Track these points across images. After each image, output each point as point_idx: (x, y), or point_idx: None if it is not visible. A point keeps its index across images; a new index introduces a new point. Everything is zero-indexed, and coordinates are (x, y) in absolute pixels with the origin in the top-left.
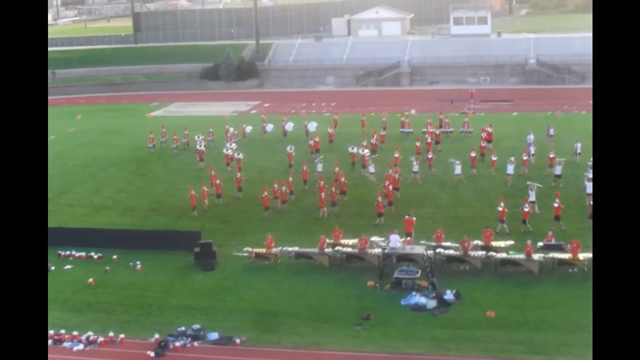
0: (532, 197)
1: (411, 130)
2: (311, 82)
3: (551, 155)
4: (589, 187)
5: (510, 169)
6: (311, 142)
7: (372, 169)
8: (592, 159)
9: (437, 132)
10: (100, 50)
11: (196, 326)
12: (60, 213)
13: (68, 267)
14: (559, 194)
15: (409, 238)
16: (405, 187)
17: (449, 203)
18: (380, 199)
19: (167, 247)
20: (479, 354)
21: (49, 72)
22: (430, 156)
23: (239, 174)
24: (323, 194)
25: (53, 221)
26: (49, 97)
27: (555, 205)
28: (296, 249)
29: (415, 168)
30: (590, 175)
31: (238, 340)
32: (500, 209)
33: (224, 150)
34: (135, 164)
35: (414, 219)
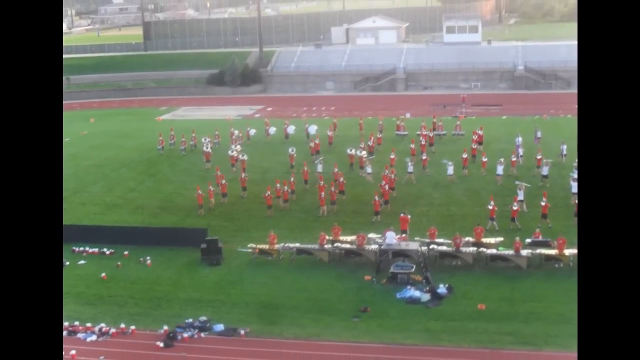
0: (521, 196)
1: (406, 133)
2: (312, 88)
3: (538, 157)
4: (574, 187)
5: (499, 170)
6: (312, 144)
7: (369, 169)
8: (577, 160)
9: (431, 134)
10: (112, 57)
11: (203, 318)
12: (75, 211)
13: (82, 262)
14: (546, 193)
15: (404, 235)
16: (401, 187)
17: (442, 202)
18: (377, 198)
19: (175, 243)
20: (470, 344)
21: (64, 78)
22: (424, 157)
23: (243, 174)
24: (323, 193)
25: (68, 219)
26: (64, 102)
27: (543, 203)
28: (297, 245)
29: (410, 169)
30: (575, 176)
31: (242, 332)
32: (490, 207)
33: (229, 152)
34: (145, 165)
35: (409, 216)
